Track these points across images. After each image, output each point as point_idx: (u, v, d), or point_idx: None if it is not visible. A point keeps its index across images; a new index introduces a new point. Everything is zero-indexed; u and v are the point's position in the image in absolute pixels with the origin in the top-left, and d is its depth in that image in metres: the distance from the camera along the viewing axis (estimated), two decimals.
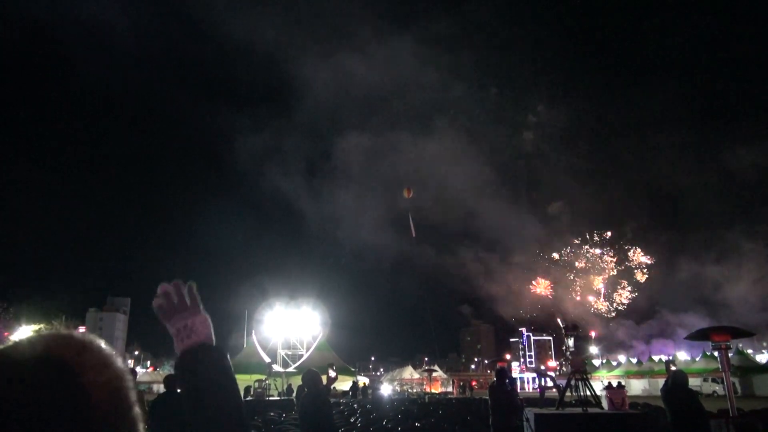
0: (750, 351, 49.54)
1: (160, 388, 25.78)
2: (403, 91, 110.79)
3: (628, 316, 70.82)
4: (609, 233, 74.80)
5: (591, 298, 74.15)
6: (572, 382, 10.63)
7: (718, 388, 36.78)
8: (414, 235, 47.60)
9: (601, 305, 72.99)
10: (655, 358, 49.77)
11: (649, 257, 72.72)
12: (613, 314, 71.76)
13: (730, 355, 9.73)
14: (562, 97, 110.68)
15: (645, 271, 72.51)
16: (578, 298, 74.51)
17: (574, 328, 11.89)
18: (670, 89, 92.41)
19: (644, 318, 67.86)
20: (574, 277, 75.37)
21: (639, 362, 50.27)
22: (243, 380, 33.14)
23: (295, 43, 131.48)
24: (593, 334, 66.16)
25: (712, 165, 74.21)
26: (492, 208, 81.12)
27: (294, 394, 24.72)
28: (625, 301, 72.22)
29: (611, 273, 73.97)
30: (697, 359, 44.68)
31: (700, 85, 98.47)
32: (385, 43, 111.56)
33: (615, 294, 73.17)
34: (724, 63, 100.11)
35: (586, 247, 75.39)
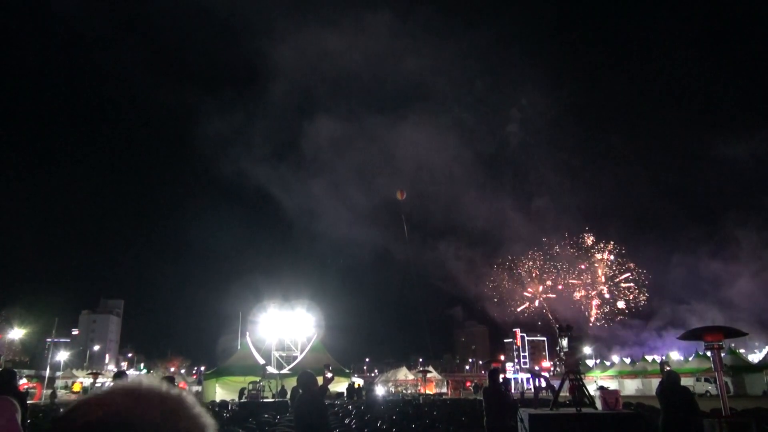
0: (742, 351, 49.87)
1: None
2: (399, 82, 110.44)
3: (633, 314, 70.91)
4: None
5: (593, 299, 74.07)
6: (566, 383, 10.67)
7: (710, 388, 37.06)
8: (407, 236, 47.99)
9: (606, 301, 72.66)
10: (649, 358, 50.04)
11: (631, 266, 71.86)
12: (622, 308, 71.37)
13: (722, 355, 9.78)
14: (549, 87, 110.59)
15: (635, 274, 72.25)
16: (578, 297, 74.53)
17: (568, 328, 11.90)
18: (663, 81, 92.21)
19: (651, 314, 68.18)
20: (571, 276, 75.40)
21: (633, 362, 50.52)
22: (237, 382, 33.05)
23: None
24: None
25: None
26: (485, 208, 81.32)
27: (288, 396, 24.67)
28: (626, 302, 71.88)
29: (607, 274, 74.03)
30: (690, 359, 44.95)
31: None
32: (378, 35, 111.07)
33: (618, 294, 73.03)
34: (718, 53, 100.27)
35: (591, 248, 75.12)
